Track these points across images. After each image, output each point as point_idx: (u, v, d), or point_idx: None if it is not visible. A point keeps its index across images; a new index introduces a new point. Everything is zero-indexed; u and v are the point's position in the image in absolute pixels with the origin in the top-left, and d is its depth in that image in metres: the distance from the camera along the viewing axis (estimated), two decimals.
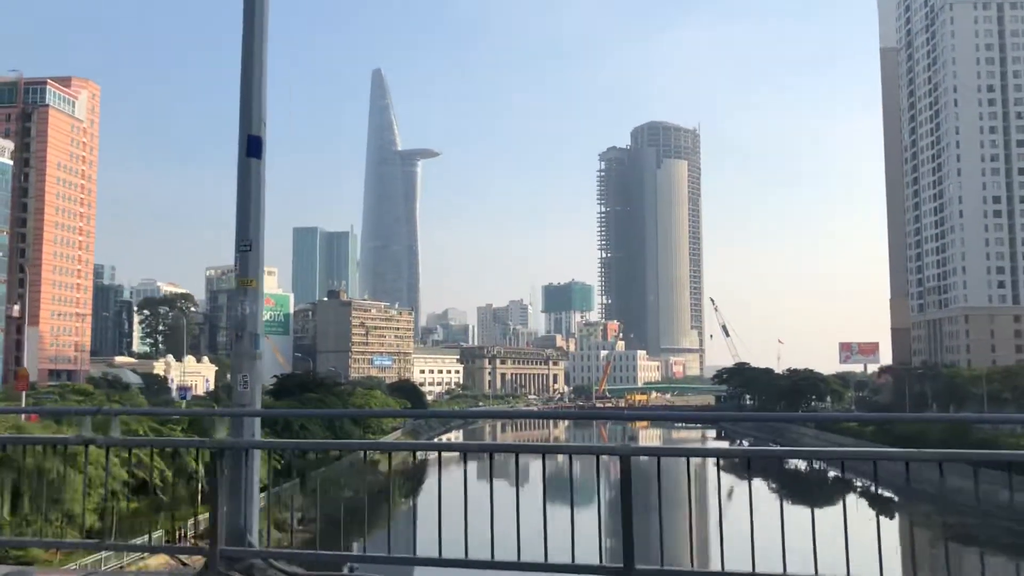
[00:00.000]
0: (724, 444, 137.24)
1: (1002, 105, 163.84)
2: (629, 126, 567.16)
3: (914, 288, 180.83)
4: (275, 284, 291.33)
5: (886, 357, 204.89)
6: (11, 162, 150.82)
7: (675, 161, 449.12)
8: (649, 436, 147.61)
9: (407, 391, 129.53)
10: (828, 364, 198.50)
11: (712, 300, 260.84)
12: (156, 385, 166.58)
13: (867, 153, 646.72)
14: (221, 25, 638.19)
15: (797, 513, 7.37)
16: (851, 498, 9.15)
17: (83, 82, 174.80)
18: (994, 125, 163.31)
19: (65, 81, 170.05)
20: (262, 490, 8.35)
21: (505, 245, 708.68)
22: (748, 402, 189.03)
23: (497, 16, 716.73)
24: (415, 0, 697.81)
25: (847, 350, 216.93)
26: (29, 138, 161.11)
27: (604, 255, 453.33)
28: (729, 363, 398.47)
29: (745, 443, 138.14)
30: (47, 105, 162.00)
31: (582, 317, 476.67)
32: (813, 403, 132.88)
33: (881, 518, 7.53)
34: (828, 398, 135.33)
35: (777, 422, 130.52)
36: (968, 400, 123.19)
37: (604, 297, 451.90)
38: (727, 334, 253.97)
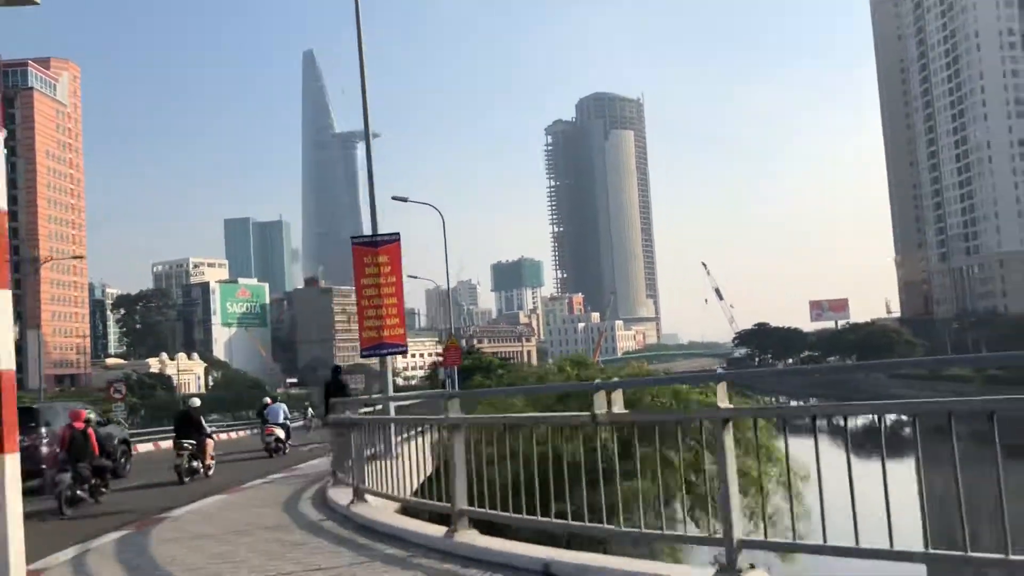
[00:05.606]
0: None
1: (1023, 48, 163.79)
2: (567, 100, 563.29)
3: (933, 237, 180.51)
4: (226, 275, 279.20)
5: (856, 313, 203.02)
6: (5, 150, 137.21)
7: (622, 132, 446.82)
8: None
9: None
10: (798, 323, 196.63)
11: (704, 264, 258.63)
12: (163, 385, 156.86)
13: (811, 105, 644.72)
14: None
15: None
16: None
17: (63, 63, 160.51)
18: (1016, 69, 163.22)
19: (44, 62, 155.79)
20: None
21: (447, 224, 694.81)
22: (771, 362, 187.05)
23: None
24: None
25: (817, 308, 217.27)
26: (14, 125, 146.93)
27: (556, 229, 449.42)
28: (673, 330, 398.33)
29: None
30: (31, 88, 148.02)
31: (534, 293, 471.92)
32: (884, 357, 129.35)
33: None
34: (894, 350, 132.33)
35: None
36: None
37: (559, 271, 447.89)
38: (720, 297, 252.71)
